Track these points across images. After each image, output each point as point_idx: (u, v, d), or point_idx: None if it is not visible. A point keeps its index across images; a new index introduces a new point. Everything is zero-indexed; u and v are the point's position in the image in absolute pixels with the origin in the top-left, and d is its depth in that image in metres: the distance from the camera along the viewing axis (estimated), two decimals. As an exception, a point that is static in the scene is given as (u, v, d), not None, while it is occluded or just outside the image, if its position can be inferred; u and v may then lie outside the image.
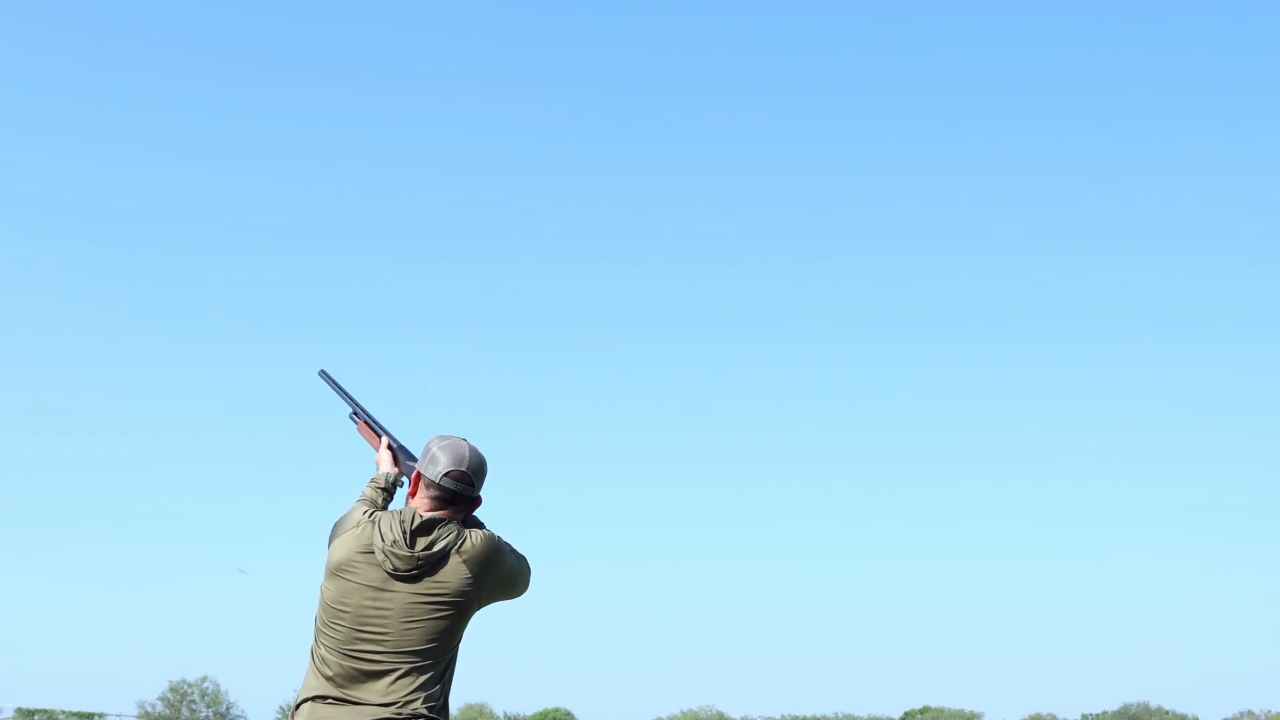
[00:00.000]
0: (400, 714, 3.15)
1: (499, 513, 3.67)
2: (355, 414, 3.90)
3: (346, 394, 3.96)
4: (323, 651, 3.24)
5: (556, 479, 56.45)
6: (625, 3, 57.64)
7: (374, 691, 3.18)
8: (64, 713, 44.36)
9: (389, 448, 3.76)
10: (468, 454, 3.35)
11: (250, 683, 61.00)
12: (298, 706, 3.25)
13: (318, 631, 3.28)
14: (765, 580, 57.45)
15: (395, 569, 3.21)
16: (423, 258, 60.43)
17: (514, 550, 3.44)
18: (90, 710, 44.86)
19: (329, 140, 58.39)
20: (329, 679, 3.21)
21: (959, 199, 58.28)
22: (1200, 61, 57.04)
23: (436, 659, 3.23)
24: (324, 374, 4.01)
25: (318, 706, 3.20)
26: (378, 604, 3.21)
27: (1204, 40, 56.98)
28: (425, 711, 3.18)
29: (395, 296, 59.94)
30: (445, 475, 3.32)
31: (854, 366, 59.36)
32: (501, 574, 3.34)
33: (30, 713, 43.45)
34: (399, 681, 3.18)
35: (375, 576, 3.22)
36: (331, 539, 3.36)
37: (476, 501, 3.41)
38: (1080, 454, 59.48)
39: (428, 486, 3.35)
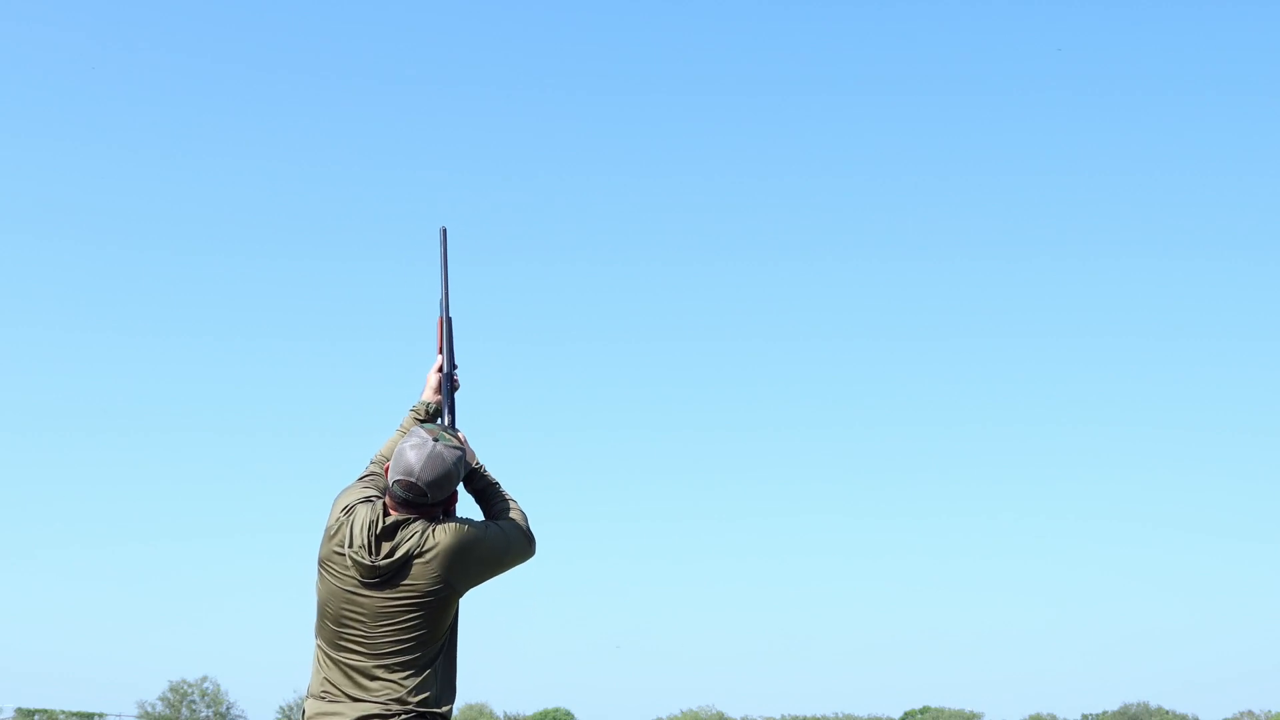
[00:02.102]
0: (389, 710, 3.16)
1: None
2: (443, 316, 3.70)
3: (446, 280, 3.74)
4: (321, 646, 3.28)
5: (556, 479, 56.41)
6: (625, 3, 57.64)
7: (366, 688, 3.20)
8: (64, 713, 44.34)
9: (439, 370, 3.64)
10: (425, 461, 3.18)
11: (250, 683, 61.12)
12: (306, 701, 3.30)
13: (316, 626, 3.31)
14: (765, 580, 57.49)
15: (359, 577, 3.19)
16: (421, 257, 60.40)
17: (495, 526, 3.34)
18: (90, 710, 44.89)
19: (329, 140, 58.41)
20: (327, 675, 3.25)
21: (959, 199, 58.28)
22: (1200, 62, 57.06)
23: (423, 653, 3.22)
24: (444, 232, 3.77)
25: (319, 702, 3.24)
26: (352, 608, 3.21)
27: (1204, 40, 57.00)
28: (416, 706, 3.18)
29: (394, 296, 59.92)
30: (395, 483, 3.22)
31: (854, 366, 59.38)
32: (478, 558, 3.25)
33: (30, 713, 43.45)
34: (388, 678, 3.18)
35: (348, 580, 3.21)
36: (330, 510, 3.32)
37: (448, 500, 3.30)
38: (1080, 454, 59.52)
39: (388, 486, 3.26)
